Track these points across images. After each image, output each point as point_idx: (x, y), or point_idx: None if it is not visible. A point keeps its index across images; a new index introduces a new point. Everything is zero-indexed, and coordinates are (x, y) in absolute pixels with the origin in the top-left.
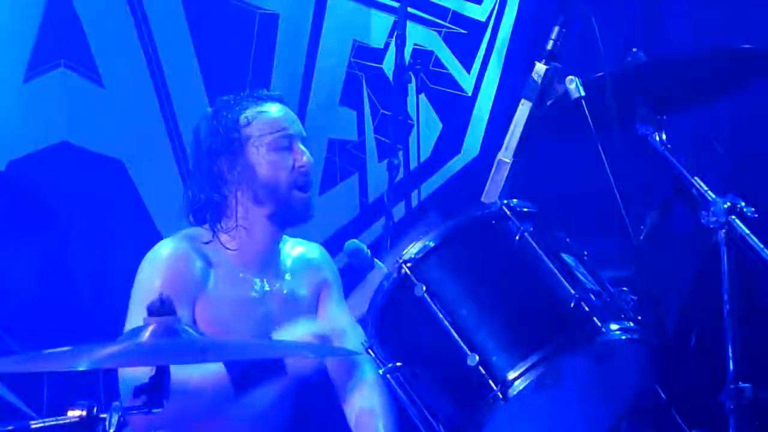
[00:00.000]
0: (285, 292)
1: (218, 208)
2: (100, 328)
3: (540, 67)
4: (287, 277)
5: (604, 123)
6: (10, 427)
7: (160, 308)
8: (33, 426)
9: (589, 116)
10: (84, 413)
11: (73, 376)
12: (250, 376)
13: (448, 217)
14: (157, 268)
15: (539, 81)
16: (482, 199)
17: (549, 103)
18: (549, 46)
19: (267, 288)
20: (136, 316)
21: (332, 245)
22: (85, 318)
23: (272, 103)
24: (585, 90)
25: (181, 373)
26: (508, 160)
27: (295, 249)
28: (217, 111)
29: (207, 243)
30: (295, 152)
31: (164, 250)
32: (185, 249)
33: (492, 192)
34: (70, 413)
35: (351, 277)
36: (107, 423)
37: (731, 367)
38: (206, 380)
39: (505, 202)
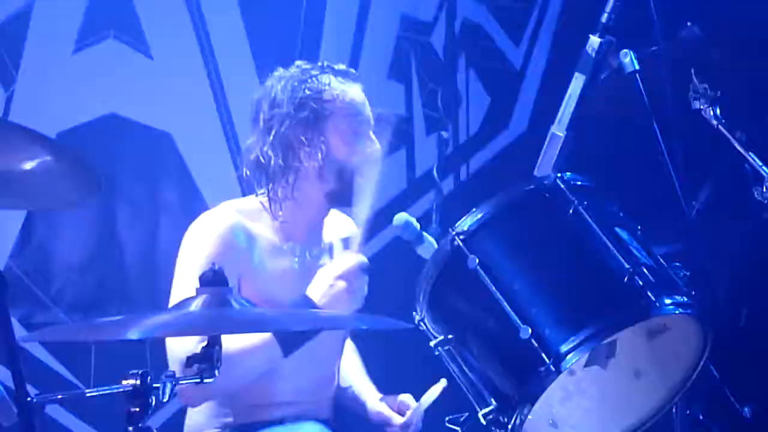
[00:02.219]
0: (325, 264)
1: (279, 173)
2: (147, 299)
3: (594, 40)
4: (328, 249)
5: (659, 97)
6: (60, 396)
7: (213, 278)
8: (88, 394)
9: (643, 90)
10: (137, 382)
11: (120, 347)
12: (296, 336)
13: (501, 190)
14: (205, 238)
15: (593, 54)
16: (535, 173)
17: (603, 76)
18: (603, 19)
19: (309, 259)
20: (183, 286)
21: (380, 218)
22: (133, 288)
23: (355, 83)
24: (639, 64)
25: (229, 340)
26: (561, 134)
27: (335, 222)
28: (300, 76)
29: (252, 212)
30: (368, 138)
31: (211, 220)
32: (231, 219)
33: (545, 165)
34: (124, 382)
35: (400, 250)
36: (161, 392)
37: None
38: (254, 345)
39: (559, 175)
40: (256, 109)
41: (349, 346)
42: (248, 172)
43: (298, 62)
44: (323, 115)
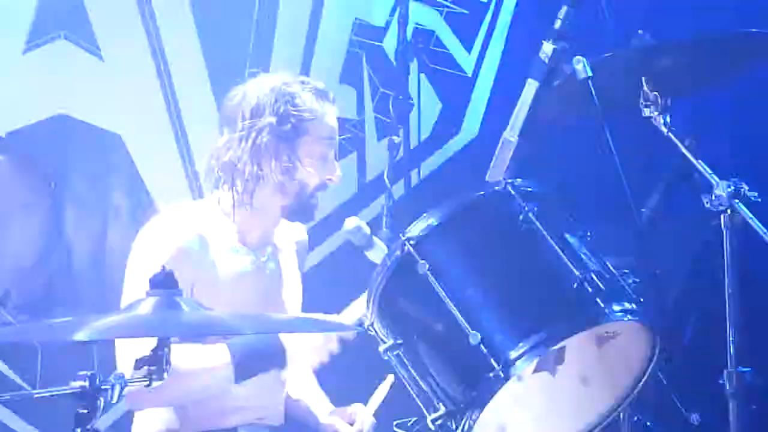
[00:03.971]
0: (276, 268)
1: (244, 179)
2: (96, 301)
3: (548, 47)
4: (280, 255)
5: (610, 104)
6: (7, 396)
7: (163, 280)
8: (36, 395)
9: (595, 97)
10: (86, 384)
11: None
12: (252, 362)
13: (452, 196)
14: (157, 241)
15: (546, 60)
16: (487, 178)
17: (556, 83)
18: (557, 26)
19: (261, 263)
20: (133, 289)
21: (331, 222)
22: (81, 290)
23: (332, 106)
24: (592, 71)
25: (183, 353)
26: (513, 140)
27: (286, 228)
28: (284, 88)
29: (206, 215)
30: (332, 164)
31: (164, 223)
32: (184, 222)
33: (497, 171)
34: (72, 384)
35: (350, 254)
36: (109, 393)
37: (731, 351)
38: (207, 361)
39: (510, 181)
40: (233, 112)
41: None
42: (220, 173)
43: (281, 73)
44: (300, 132)
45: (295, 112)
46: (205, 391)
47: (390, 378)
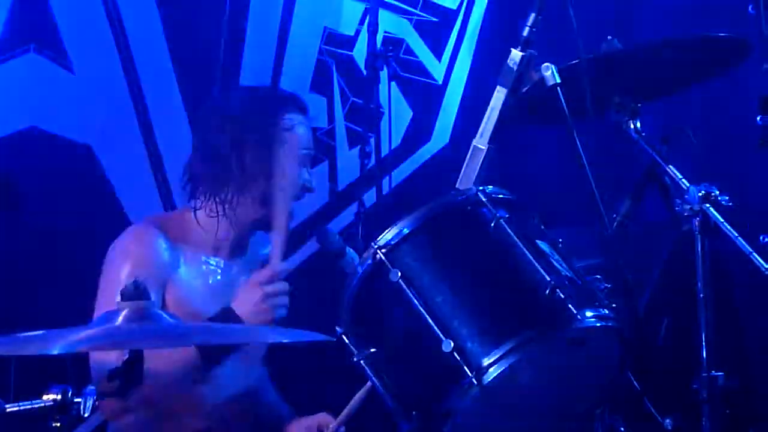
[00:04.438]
0: (247, 280)
1: (223, 187)
2: (68, 314)
3: (516, 54)
4: (251, 266)
5: (579, 110)
6: None
7: (134, 292)
8: (8, 409)
9: (564, 103)
10: (59, 397)
11: (41, 361)
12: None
13: (423, 203)
14: (127, 253)
15: (515, 68)
16: (457, 186)
17: (524, 89)
18: (525, 33)
19: (233, 273)
20: (106, 301)
21: (303, 232)
22: (53, 303)
23: (305, 117)
24: (560, 77)
25: (151, 354)
26: (483, 147)
27: (257, 239)
28: (260, 99)
29: (178, 226)
30: (309, 174)
31: (134, 235)
32: (154, 234)
33: (467, 178)
34: (45, 397)
35: (322, 263)
36: (82, 407)
37: (704, 355)
38: (176, 359)
39: (481, 188)
40: (211, 123)
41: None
42: (196, 184)
43: (257, 85)
44: (278, 142)
45: (273, 122)
46: (175, 384)
47: (366, 387)
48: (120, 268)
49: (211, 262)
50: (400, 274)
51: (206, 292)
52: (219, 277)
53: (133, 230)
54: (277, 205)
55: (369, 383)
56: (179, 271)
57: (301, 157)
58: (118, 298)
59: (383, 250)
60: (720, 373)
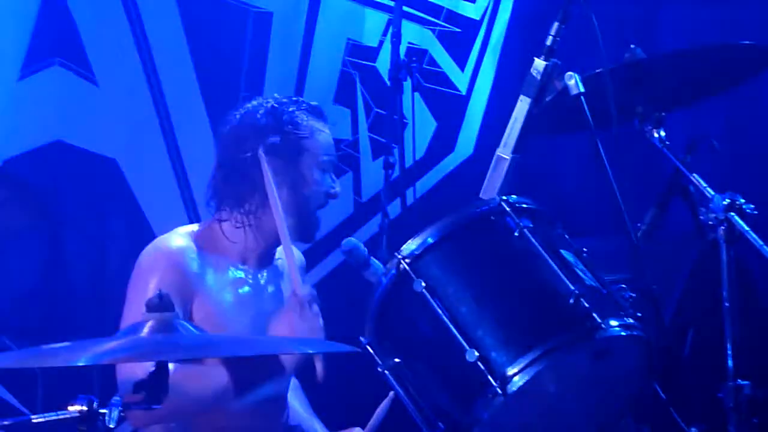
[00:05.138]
0: (276, 290)
1: (247, 199)
2: (95, 326)
3: (539, 63)
4: (279, 277)
5: (603, 119)
6: (7, 422)
7: (159, 304)
8: (34, 420)
9: (588, 112)
10: (84, 408)
11: (67, 373)
12: (250, 376)
13: (447, 213)
14: (154, 265)
15: (538, 77)
16: (481, 195)
17: (548, 99)
18: (548, 42)
19: (261, 284)
20: (132, 313)
21: (328, 243)
22: (80, 316)
23: (325, 123)
24: (584, 86)
25: (181, 372)
26: (506, 156)
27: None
28: (281, 107)
29: (205, 237)
30: (333, 179)
31: (161, 246)
32: (182, 244)
33: (490, 188)
34: (71, 408)
35: (347, 274)
36: (107, 418)
37: (730, 364)
38: (206, 380)
39: (504, 198)
40: (231, 135)
41: (294, 382)
42: (222, 195)
43: (275, 95)
44: (299, 150)
45: (293, 131)
46: (204, 400)
47: (390, 397)
48: (147, 279)
49: (239, 273)
50: (424, 284)
51: (235, 301)
52: (248, 288)
53: (161, 241)
54: (312, 225)
55: (391, 393)
56: (207, 280)
57: (324, 163)
58: (144, 310)
59: (407, 261)
60: (746, 382)
